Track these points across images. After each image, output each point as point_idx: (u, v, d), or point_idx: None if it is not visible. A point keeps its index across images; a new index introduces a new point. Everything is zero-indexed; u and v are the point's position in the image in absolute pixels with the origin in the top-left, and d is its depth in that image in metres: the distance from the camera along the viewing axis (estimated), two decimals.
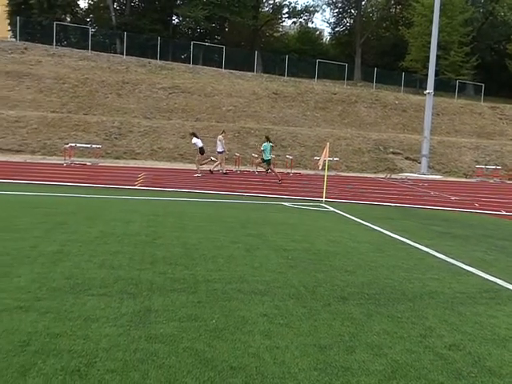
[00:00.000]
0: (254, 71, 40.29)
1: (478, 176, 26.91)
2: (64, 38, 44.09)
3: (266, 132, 26.25)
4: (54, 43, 36.87)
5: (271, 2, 54.83)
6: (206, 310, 4.18)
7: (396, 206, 13.71)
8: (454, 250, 7.51)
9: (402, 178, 24.41)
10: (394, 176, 25.58)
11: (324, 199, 13.34)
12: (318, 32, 63.64)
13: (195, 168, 19.48)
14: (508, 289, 5.51)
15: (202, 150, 19.23)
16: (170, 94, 31.40)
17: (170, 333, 3.66)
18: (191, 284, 4.89)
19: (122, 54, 37.87)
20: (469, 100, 40.11)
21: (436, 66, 29.65)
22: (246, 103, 32.19)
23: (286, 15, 55.13)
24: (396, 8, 57.70)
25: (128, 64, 35.05)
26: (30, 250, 5.87)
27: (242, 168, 23.16)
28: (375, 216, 11.07)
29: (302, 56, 46.85)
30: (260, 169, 21.22)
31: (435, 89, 29.19)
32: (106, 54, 37.51)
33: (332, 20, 61.97)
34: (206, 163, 19.71)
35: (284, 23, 59.90)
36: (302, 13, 55.51)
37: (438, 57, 30.95)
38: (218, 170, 20.30)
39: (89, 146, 22.69)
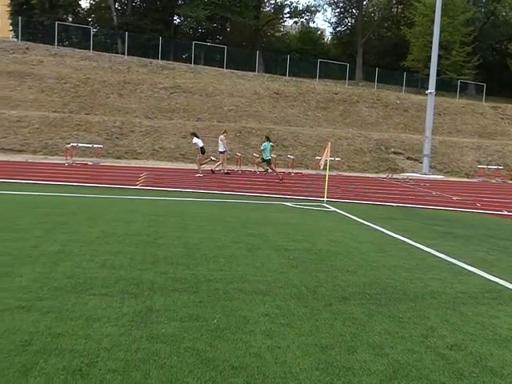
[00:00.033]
0: (255, 71, 40.28)
1: (479, 176, 26.88)
2: (66, 38, 44.13)
3: (268, 132, 26.25)
4: (56, 43, 36.90)
5: (272, 1, 54.87)
6: (207, 310, 4.18)
7: (398, 206, 13.70)
8: (455, 250, 7.50)
9: (403, 178, 24.39)
10: (395, 176, 25.56)
11: (325, 199, 13.33)
12: (319, 32, 63.58)
13: (196, 168, 19.49)
14: (510, 289, 5.50)
15: (202, 150, 19.24)
16: (171, 93, 31.41)
17: (171, 333, 3.67)
18: (192, 284, 4.90)
19: (124, 54, 37.89)
20: (470, 100, 40.06)
21: (438, 66, 29.63)
22: (248, 103, 32.19)
23: (288, 15, 55.11)
24: (397, 8, 57.66)
25: (129, 64, 35.07)
26: (32, 250, 5.88)
27: (244, 168, 23.16)
28: (377, 216, 11.06)
29: (304, 56, 46.83)
30: (262, 169, 21.24)
31: (437, 89, 29.15)
32: (107, 53, 37.53)
33: (333, 20, 62.04)
34: (206, 163, 19.70)
35: (285, 23, 59.90)
36: (303, 12, 55.48)
37: (439, 57, 30.92)
38: (220, 170, 20.30)
39: (90, 145, 22.71)
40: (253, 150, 25.53)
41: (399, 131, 32.84)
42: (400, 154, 29.12)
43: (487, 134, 34.75)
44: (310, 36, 57.94)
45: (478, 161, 29.26)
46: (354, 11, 56.98)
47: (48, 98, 28.75)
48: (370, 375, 3.20)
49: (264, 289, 4.88)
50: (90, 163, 21.30)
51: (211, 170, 19.92)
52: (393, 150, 29.17)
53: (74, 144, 22.00)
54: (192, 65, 38.36)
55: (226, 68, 38.54)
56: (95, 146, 22.77)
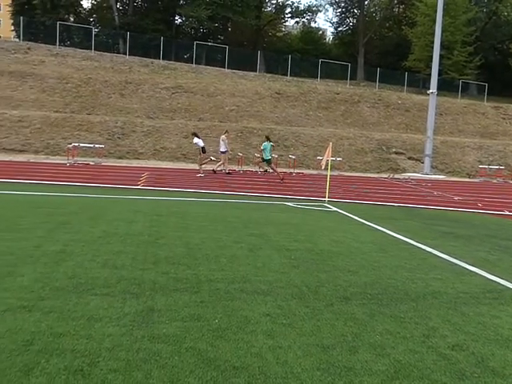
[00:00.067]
0: (256, 71, 40.29)
1: (481, 176, 26.85)
2: (67, 37, 44.20)
3: (269, 132, 26.26)
4: (57, 43, 36.94)
5: (274, 1, 54.89)
6: (208, 310, 4.19)
7: (399, 206, 13.69)
8: (457, 250, 7.49)
9: (405, 178, 24.38)
10: (397, 176, 25.54)
11: (327, 199, 13.33)
12: (320, 32, 63.63)
13: (197, 168, 19.49)
14: (511, 289, 5.49)
15: (203, 150, 19.25)
16: (172, 93, 31.43)
17: (172, 333, 3.67)
18: (194, 284, 4.90)
19: (125, 54, 37.93)
20: (472, 100, 40.03)
21: (439, 66, 29.60)
22: (249, 103, 32.19)
23: (289, 15, 55.19)
24: (399, 8, 57.67)
25: (131, 64, 35.10)
26: (33, 250, 5.88)
27: (245, 168, 23.16)
28: (378, 216, 11.06)
29: (305, 56, 46.86)
30: (261, 169, 21.25)
31: (438, 88, 29.13)
32: (109, 53, 37.58)
33: (335, 20, 62.25)
34: (205, 163, 19.69)
35: (287, 23, 60.02)
36: (304, 12, 55.55)
37: (441, 56, 30.88)
38: (221, 170, 20.31)
39: (92, 145, 22.72)
40: (254, 150, 25.52)
41: (401, 131, 32.82)
42: (401, 154, 29.10)
43: (489, 134, 34.71)
44: (311, 36, 57.98)
45: (479, 161, 29.22)
46: (355, 11, 57.01)
47: (49, 98, 28.78)
48: (372, 375, 3.20)
49: (265, 289, 4.88)
50: (91, 163, 21.32)
51: (213, 170, 19.92)
52: (394, 150, 29.15)
53: (76, 144, 22.02)
54: (193, 65, 38.39)
55: (228, 68, 38.55)
56: (97, 146, 22.79)
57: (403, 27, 48.38)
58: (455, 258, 6.87)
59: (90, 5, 55.22)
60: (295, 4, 54.88)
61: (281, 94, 33.85)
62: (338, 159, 24.31)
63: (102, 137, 25.23)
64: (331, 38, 65.50)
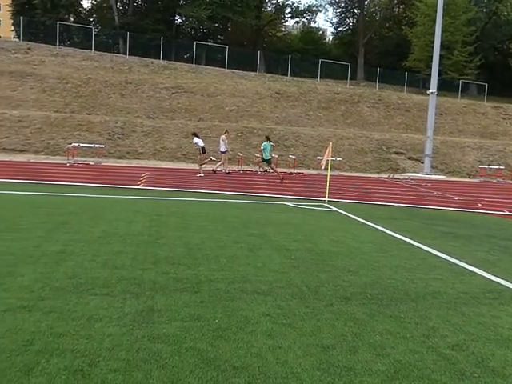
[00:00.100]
0: (256, 71, 40.29)
1: (481, 176, 26.85)
2: (67, 37, 44.22)
3: (269, 132, 26.27)
4: (58, 43, 36.94)
5: (274, 1, 54.90)
6: (208, 310, 4.19)
7: (399, 206, 13.70)
8: (457, 250, 7.49)
9: (405, 178, 24.38)
10: (397, 176, 25.54)
11: (327, 199, 13.33)
12: (320, 32, 63.63)
13: (197, 168, 19.49)
14: (511, 289, 5.49)
15: (203, 150, 19.25)
16: (172, 93, 31.43)
17: (172, 333, 3.67)
18: (194, 284, 4.90)
19: (125, 54, 37.93)
20: (472, 100, 40.03)
21: (439, 66, 29.60)
22: (249, 103, 32.19)
23: (289, 15, 55.19)
24: (399, 8, 57.67)
25: (131, 64, 35.10)
26: (33, 250, 5.88)
27: (245, 168, 23.16)
28: (378, 216, 11.06)
29: (305, 56, 46.86)
30: (261, 168, 21.26)
31: (438, 88, 29.13)
32: (109, 53, 37.58)
33: (335, 20, 62.26)
34: (205, 162, 19.69)
35: (287, 23, 60.03)
36: (304, 12, 55.56)
37: (441, 56, 30.89)
38: (221, 170, 20.31)
39: (92, 145, 22.73)
40: (254, 150, 25.52)
41: (401, 131, 32.82)
42: (401, 154, 29.10)
43: (489, 134, 34.71)
44: (311, 36, 57.98)
45: (479, 161, 29.23)
46: (355, 11, 57.02)
47: (50, 98, 28.79)
48: (372, 375, 3.20)
49: (265, 289, 4.88)
50: (91, 163, 21.33)
51: (212, 170, 19.93)
52: (394, 150, 29.16)
53: (76, 144, 22.03)
54: (193, 65, 38.39)
55: (228, 68, 38.55)
56: (97, 146, 22.79)
57: (403, 27, 48.39)
58: (455, 258, 6.87)
59: (89, 5, 55.27)
60: (295, 4, 54.96)
61: (281, 94, 33.85)
62: (338, 159, 24.31)
63: (102, 137, 25.23)
64: (331, 38, 65.53)
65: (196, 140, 19.46)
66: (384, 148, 29.02)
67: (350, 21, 58.53)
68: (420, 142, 29.57)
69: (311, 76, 40.76)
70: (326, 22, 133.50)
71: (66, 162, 20.83)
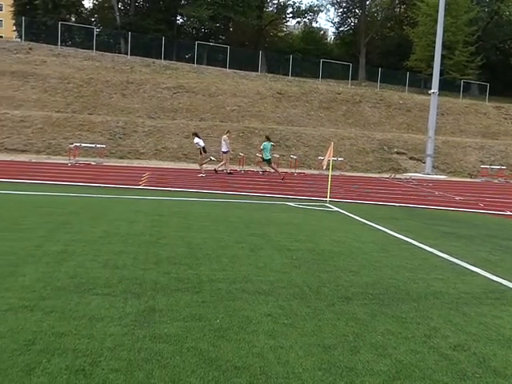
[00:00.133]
0: (258, 71, 40.28)
1: (482, 176, 26.82)
2: (69, 38, 44.27)
3: (270, 132, 26.28)
4: (59, 43, 36.99)
5: (275, 1, 54.90)
6: (210, 310, 4.18)
7: (400, 206, 13.69)
8: (458, 250, 7.48)
9: (406, 178, 24.36)
10: (398, 176, 25.53)
11: (328, 199, 13.33)
12: (322, 32, 63.64)
13: (199, 168, 19.50)
14: None
15: (204, 150, 19.27)
16: (174, 93, 31.44)
17: (174, 332, 3.67)
18: (195, 284, 4.90)
19: (127, 54, 37.96)
20: (473, 100, 39.99)
21: (441, 66, 29.56)
22: (250, 103, 32.20)
23: (291, 15, 55.20)
24: (400, 7, 57.63)
25: (132, 64, 35.11)
26: (35, 250, 5.89)
27: (247, 168, 23.16)
28: (380, 216, 11.05)
29: (306, 56, 46.85)
30: (265, 168, 21.26)
31: (440, 88, 29.10)
32: (110, 53, 37.61)
33: (336, 20, 62.11)
34: (205, 162, 19.69)
35: (288, 23, 60.04)
36: (306, 12, 55.54)
37: (442, 56, 30.86)
38: (223, 170, 20.32)
39: (93, 145, 22.74)
40: (255, 150, 25.51)
41: (402, 131, 32.79)
42: (403, 154, 29.08)
43: (490, 134, 34.67)
44: (312, 36, 57.98)
45: (481, 161, 29.20)
46: (356, 11, 57.00)
47: (51, 98, 28.82)
48: (373, 375, 3.19)
49: (267, 289, 4.88)
50: (92, 163, 21.34)
51: (214, 170, 19.93)
52: (396, 150, 29.14)
53: (77, 144, 22.05)
54: (195, 65, 38.40)
55: (229, 68, 38.56)
56: (98, 145, 22.81)
57: (405, 27, 48.35)
58: (456, 258, 6.87)
59: (91, 5, 55.28)
60: (297, 4, 55.26)
61: (282, 94, 33.84)
62: (340, 159, 24.30)
63: (104, 137, 25.25)
64: (333, 38, 65.51)
65: (197, 140, 19.47)
66: (385, 148, 29.00)
67: (352, 21, 58.54)
68: (421, 142, 29.54)
69: (312, 76, 40.75)
70: (327, 21, 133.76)
71: (67, 161, 20.85)
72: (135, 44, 39.20)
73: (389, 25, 58.16)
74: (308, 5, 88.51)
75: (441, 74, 30.14)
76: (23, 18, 38.62)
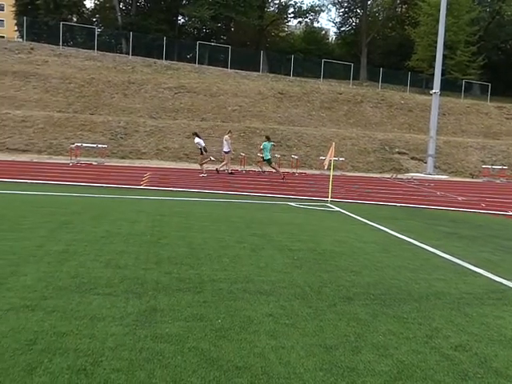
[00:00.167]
0: (259, 71, 40.28)
1: (484, 176, 26.79)
2: (70, 38, 44.32)
3: (272, 132, 26.28)
4: (61, 43, 37.03)
5: (277, 1, 54.89)
6: (211, 310, 4.18)
7: (402, 206, 13.68)
8: (460, 251, 7.48)
9: (407, 178, 24.34)
10: (399, 176, 25.51)
11: (330, 199, 13.32)
12: (323, 32, 63.64)
13: (200, 168, 19.50)
14: None
15: (204, 150, 19.28)
16: (175, 93, 31.45)
17: (175, 332, 3.67)
18: (197, 284, 4.90)
19: (128, 54, 37.99)
20: (475, 100, 39.95)
21: (442, 66, 29.53)
22: (252, 103, 32.19)
23: (292, 15, 55.19)
24: (402, 7, 57.58)
25: (134, 64, 35.13)
26: (36, 250, 5.89)
27: (248, 168, 23.16)
28: (381, 216, 11.04)
29: (308, 56, 46.85)
30: (265, 168, 21.27)
31: (441, 88, 29.07)
32: (111, 54, 37.64)
33: (338, 20, 62.08)
34: (205, 162, 19.69)
35: (290, 23, 60.03)
36: (307, 12, 55.53)
37: (444, 56, 30.83)
38: (224, 170, 20.32)
39: (95, 145, 22.76)
40: (257, 150, 25.52)
41: (403, 131, 32.77)
42: (404, 154, 29.06)
43: (492, 134, 34.64)
44: (314, 36, 57.97)
45: (482, 161, 29.17)
46: (358, 11, 57.00)
47: (53, 98, 28.84)
48: (375, 376, 3.19)
49: (268, 289, 4.88)
50: (94, 163, 21.36)
51: (216, 170, 19.94)
52: (397, 150, 29.11)
53: (79, 144, 22.06)
54: (196, 65, 38.41)
55: (230, 68, 38.56)
56: (99, 145, 22.82)
57: (406, 27, 48.31)
58: (458, 259, 6.86)
59: (92, 5, 55.29)
60: (298, 4, 55.16)
61: (283, 94, 33.84)
62: (341, 159, 24.29)
63: (105, 137, 25.27)
64: (334, 37, 65.53)
65: (197, 140, 19.48)
66: (387, 148, 28.98)
67: (353, 21, 58.52)
68: (423, 142, 29.51)
69: (314, 76, 40.74)
70: (328, 21, 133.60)
71: (68, 161, 20.86)
72: (137, 44, 39.24)
73: (390, 25, 58.14)
74: (309, 5, 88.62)
75: (442, 74, 30.11)
76: (25, 18, 38.66)
